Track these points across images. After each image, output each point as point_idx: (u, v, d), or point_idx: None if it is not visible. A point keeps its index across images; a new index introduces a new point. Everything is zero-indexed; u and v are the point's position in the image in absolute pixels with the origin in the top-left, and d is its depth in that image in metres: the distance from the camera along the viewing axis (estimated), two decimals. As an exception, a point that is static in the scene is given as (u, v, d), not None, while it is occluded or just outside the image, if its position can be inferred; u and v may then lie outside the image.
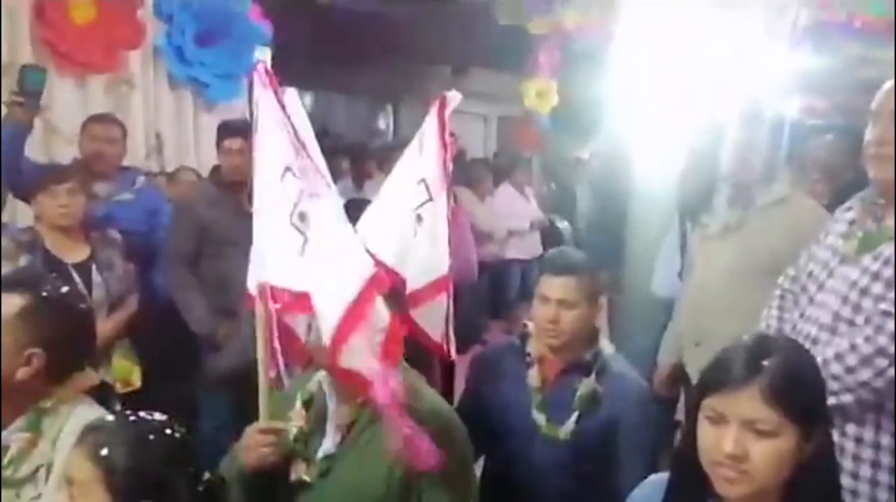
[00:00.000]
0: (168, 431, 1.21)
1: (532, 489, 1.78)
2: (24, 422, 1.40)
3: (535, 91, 6.97)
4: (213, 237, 2.90)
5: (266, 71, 1.57)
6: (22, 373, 1.39)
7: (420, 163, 1.89)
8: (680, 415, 2.99)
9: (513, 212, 5.86)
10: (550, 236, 6.29)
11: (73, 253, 2.61)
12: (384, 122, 8.77)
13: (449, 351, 1.95)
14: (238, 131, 2.92)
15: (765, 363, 1.01)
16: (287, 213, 1.64)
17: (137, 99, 3.74)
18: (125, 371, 2.67)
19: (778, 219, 2.10)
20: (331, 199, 1.62)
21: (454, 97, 1.80)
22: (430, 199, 1.87)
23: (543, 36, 6.66)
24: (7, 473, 1.37)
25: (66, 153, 3.21)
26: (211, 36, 3.78)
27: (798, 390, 1.01)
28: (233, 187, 2.96)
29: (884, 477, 1.42)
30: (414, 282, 1.91)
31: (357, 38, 6.26)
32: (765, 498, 1.04)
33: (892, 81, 1.40)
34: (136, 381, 2.69)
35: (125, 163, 3.22)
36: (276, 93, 1.57)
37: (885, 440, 1.41)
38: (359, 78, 6.81)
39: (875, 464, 1.42)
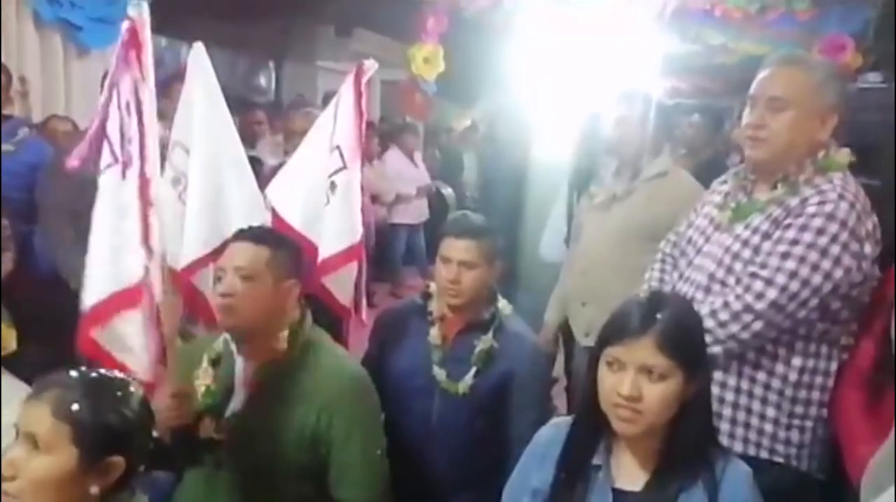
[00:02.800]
0: (131, 387, 1.20)
1: (432, 441, 1.87)
2: None
3: (422, 57, 6.94)
4: (95, 195, 2.72)
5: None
6: None
7: (335, 130, 1.89)
8: (556, 372, 3.19)
9: (401, 176, 5.89)
10: (435, 202, 6.40)
11: (-64, 206, 2.40)
12: (265, 80, 8.48)
13: (360, 315, 1.99)
14: None
15: (658, 316, 1.15)
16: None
17: (-2, 40, 3.43)
18: (-1, 334, 2.50)
19: (659, 191, 2.30)
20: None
21: (371, 65, 1.81)
22: (345, 167, 1.88)
23: (432, 1, 6.65)
24: None
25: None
26: (86, -24, 3.52)
27: (686, 339, 1.17)
28: None
29: (741, 417, 1.63)
30: (326, 249, 1.93)
31: (241, -9, 6.00)
32: (653, 435, 1.19)
33: (768, 70, 1.58)
34: (12, 344, 2.52)
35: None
36: None
37: (745, 384, 1.62)
38: (242, 33, 6.53)
39: (735, 406, 1.63)
